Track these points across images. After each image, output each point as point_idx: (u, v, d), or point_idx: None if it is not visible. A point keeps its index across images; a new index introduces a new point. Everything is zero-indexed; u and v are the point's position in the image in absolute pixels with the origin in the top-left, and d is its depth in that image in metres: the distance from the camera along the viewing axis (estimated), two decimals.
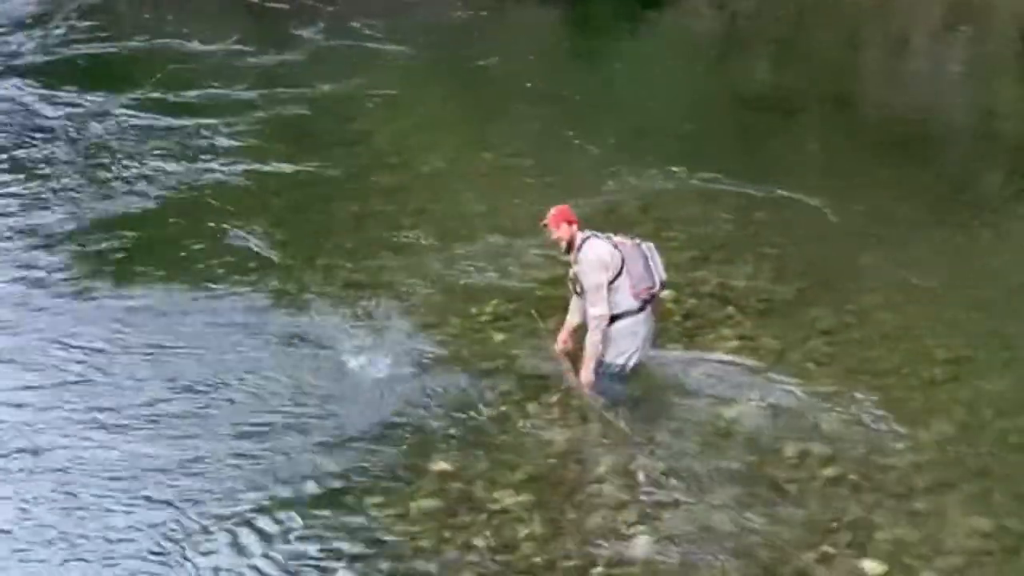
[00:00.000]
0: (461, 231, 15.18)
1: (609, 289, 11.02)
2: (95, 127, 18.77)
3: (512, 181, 17.11)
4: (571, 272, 11.35)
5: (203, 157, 17.54)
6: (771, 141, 19.21)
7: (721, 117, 20.53)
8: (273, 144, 18.21)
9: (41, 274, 13.92)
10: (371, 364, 11.95)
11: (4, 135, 18.48)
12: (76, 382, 11.63)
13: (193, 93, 20.55)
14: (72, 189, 16.40)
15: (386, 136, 19.10)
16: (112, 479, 10.21)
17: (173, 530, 9.61)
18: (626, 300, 11.10)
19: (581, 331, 11.42)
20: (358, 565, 9.28)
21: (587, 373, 11.22)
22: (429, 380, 11.70)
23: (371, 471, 10.35)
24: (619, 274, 11.05)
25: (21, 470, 10.30)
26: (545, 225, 11.34)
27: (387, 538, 9.57)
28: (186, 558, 9.35)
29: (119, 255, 14.51)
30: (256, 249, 14.59)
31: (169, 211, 15.82)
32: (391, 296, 13.41)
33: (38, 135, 18.44)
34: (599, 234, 11.32)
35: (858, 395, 11.40)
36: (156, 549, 9.43)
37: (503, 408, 11.29)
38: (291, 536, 9.59)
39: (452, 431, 10.93)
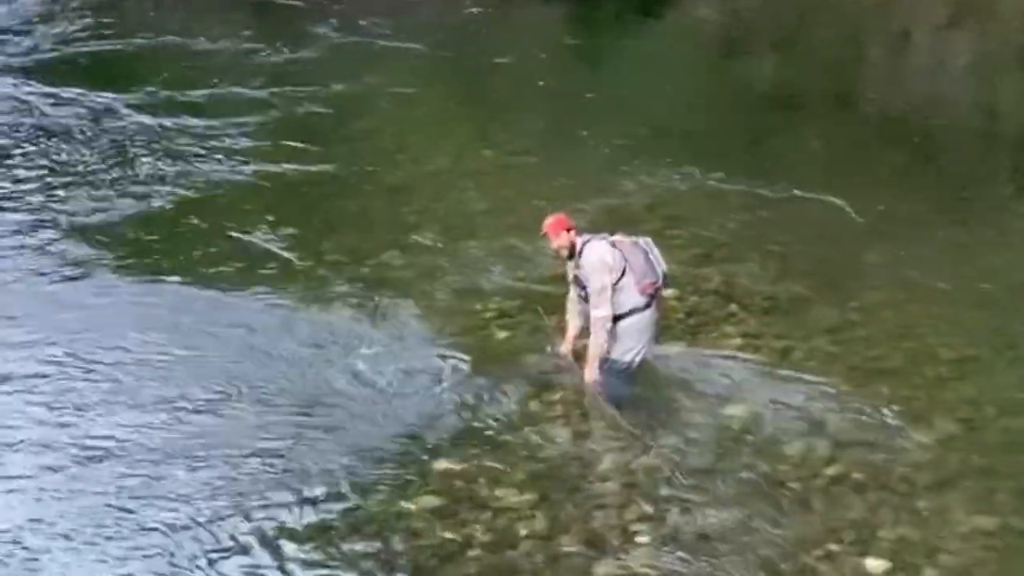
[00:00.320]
0: (465, 229, 15.20)
1: (614, 289, 11.02)
2: (104, 127, 18.72)
3: (516, 179, 17.12)
4: (571, 275, 11.35)
5: (207, 156, 17.51)
6: (775, 139, 19.20)
7: (725, 115, 20.51)
8: (278, 142, 18.21)
9: (56, 274, 13.87)
10: (375, 362, 11.96)
11: (15, 135, 18.43)
12: (88, 380, 11.59)
13: (198, 91, 20.52)
14: (83, 188, 16.33)
15: (391, 134, 19.11)
16: (125, 476, 10.21)
17: (183, 527, 9.62)
18: (632, 298, 11.10)
19: (584, 333, 11.44)
20: (360, 563, 9.28)
21: (592, 372, 11.21)
22: (432, 378, 11.70)
23: (374, 469, 10.35)
24: (623, 273, 11.06)
25: (34, 468, 10.28)
26: (545, 235, 11.34)
27: (390, 536, 9.56)
28: (192, 554, 9.35)
29: (127, 256, 14.47)
30: (260, 247, 14.60)
31: (174, 210, 15.77)
32: (395, 294, 13.41)
33: (48, 135, 18.39)
34: (596, 236, 11.33)
35: (862, 394, 11.40)
36: (164, 544, 9.44)
37: (506, 406, 11.29)
38: (291, 533, 9.59)
39: (455, 429, 10.94)
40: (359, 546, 9.47)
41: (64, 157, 17.48)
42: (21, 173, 16.91)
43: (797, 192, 16.17)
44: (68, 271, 13.95)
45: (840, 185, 16.38)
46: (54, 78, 21.31)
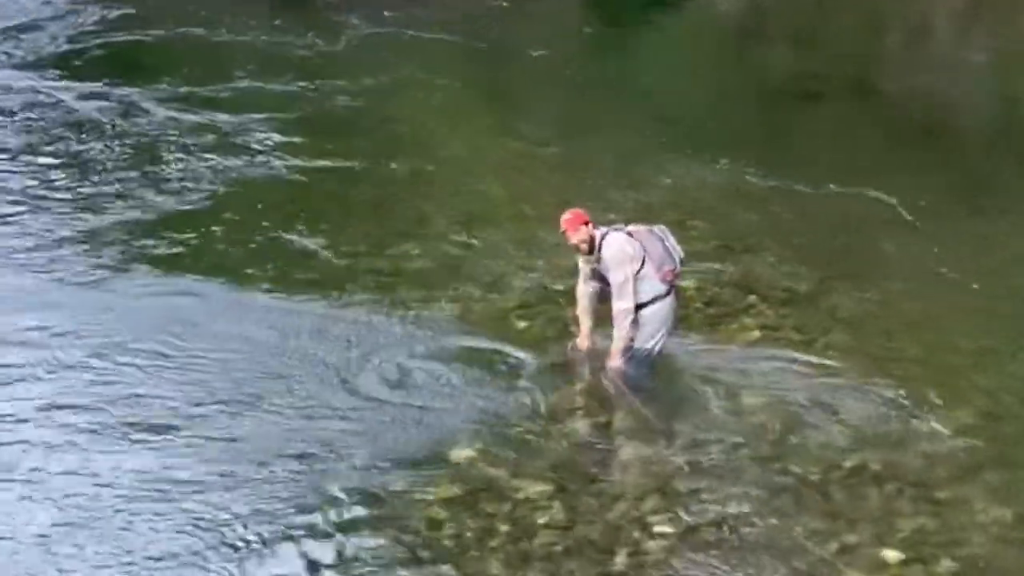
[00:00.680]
0: (484, 219, 15.21)
1: (636, 279, 11.08)
2: (129, 121, 18.66)
3: (535, 169, 17.14)
4: (588, 270, 11.36)
5: (230, 151, 17.39)
6: (794, 130, 19.21)
7: (744, 105, 20.49)
8: (296, 132, 18.20)
9: (86, 274, 13.72)
10: (394, 353, 11.98)
11: (42, 130, 18.39)
12: (119, 382, 11.49)
13: (220, 85, 20.45)
14: (111, 186, 16.26)
15: (410, 124, 19.10)
16: (153, 471, 10.21)
17: (198, 518, 9.64)
18: (655, 286, 11.18)
19: (598, 323, 11.49)
20: (379, 553, 9.31)
21: (617, 362, 11.26)
22: (451, 368, 11.72)
23: (393, 459, 10.35)
24: (643, 263, 11.11)
25: (63, 467, 10.21)
26: (564, 232, 11.34)
27: (409, 525, 9.59)
28: (208, 546, 9.38)
29: (145, 252, 14.35)
30: (275, 239, 14.61)
31: (197, 206, 15.57)
32: (413, 285, 13.44)
33: (75, 130, 18.31)
34: (612, 228, 11.35)
35: (880, 385, 11.41)
36: (186, 536, 9.45)
37: (525, 396, 11.31)
38: (310, 524, 9.61)
39: (474, 420, 10.95)
40: (378, 536, 9.49)
41: (91, 154, 17.35)
42: (50, 170, 16.80)
43: (816, 183, 16.17)
44: (98, 271, 13.78)
45: (859, 176, 16.36)
46: (77, 71, 21.30)
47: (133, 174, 16.63)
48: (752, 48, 24.76)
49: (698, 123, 19.42)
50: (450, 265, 13.93)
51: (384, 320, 12.59)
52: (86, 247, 14.38)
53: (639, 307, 11.16)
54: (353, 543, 9.42)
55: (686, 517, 9.68)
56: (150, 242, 14.55)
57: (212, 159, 17.06)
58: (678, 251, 11.34)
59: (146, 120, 18.70)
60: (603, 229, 11.30)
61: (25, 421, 10.78)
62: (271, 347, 12.13)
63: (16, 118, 18.90)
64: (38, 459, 10.28)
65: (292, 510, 9.74)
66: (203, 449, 10.52)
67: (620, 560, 9.26)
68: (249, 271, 13.80)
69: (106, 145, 17.71)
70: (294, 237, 14.58)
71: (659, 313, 11.28)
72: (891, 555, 9.25)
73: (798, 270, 13.79)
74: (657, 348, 11.38)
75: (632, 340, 11.25)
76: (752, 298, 13.12)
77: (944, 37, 24.88)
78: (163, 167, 16.87)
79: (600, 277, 11.30)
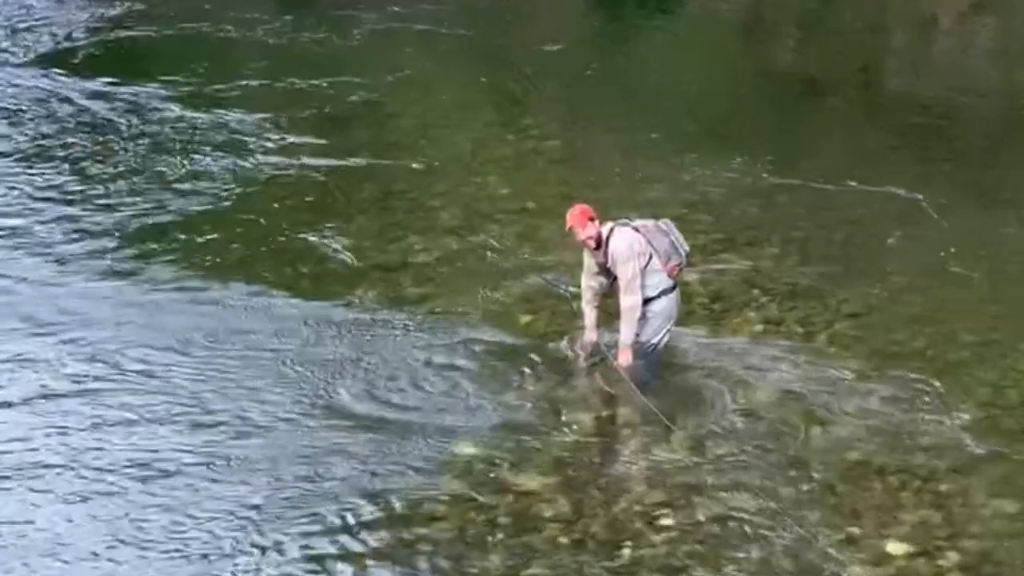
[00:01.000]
0: (488, 214, 15.24)
1: (643, 273, 11.10)
2: (139, 120, 18.62)
3: (539, 164, 17.18)
4: (595, 265, 11.37)
5: (237, 149, 17.44)
6: (798, 124, 19.21)
7: (747, 100, 20.48)
8: (302, 127, 18.23)
9: (102, 276, 13.69)
10: (396, 349, 12.01)
11: (51, 130, 18.33)
12: (138, 385, 11.47)
13: (226, 81, 20.45)
14: (123, 183, 16.23)
15: (414, 118, 19.13)
16: (151, 477, 10.20)
17: (200, 515, 9.68)
18: (662, 280, 11.21)
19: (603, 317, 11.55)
20: (384, 548, 9.33)
21: (625, 357, 11.29)
22: (454, 363, 11.75)
23: (397, 454, 10.38)
24: (650, 257, 11.13)
25: (81, 473, 10.18)
26: (570, 229, 11.34)
27: (414, 520, 9.61)
28: (209, 538, 9.42)
29: (156, 251, 14.35)
30: (280, 233, 14.64)
31: (208, 206, 15.58)
32: (416, 278, 13.48)
33: (85, 128, 18.31)
34: (618, 223, 11.36)
35: (884, 378, 11.43)
36: (182, 527, 9.52)
37: (529, 390, 11.34)
38: (314, 520, 9.63)
39: (478, 414, 10.98)
40: (383, 531, 9.51)
41: (102, 154, 17.37)
42: (62, 169, 16.80)
43: (820, 177, 16.17)
44: (114, 274, 13.74)
45: (862, 170, 16.38)
46: (85, 68, 21.31)
47: (142, 173, 16.63)
48: (757, 43, 24.76)
49: (702, 117, 19.39)
50: (452, 259, 13.96)
51: (387, 315, 12.61)
52: (100, 246, 14.39)
53: (646, 302, 11.18)
54: (356, 540, 9.43)
55: (691, 510, 9.70)
56: (161, 242, 14.58)
57: (220, 157, 17.10)
58: (684, 246, 11.37)
59: (155, 118, 18.74)
60: (609, 224, 11.30)
61: (35, 425, 10.76)
62: (268, 338, 12.18)
63: (27, 117, 18.91)
64: (43, 457, 10.33)
65: (294, 508, 9.77)
66: (209, 442, 10.59)
67: (625, 553, 9.28)
68: (257, 269, 13.83)
69: (117, 144, 17.69)
70: (300, 234, 14.59)
71: (665, 308, 11.31)
72: (895, 548, 9.27)
73: (801, 264, 13.83)
74: (664, 341, 11.41)
75: (639, 335, 11.28)
76: (755, 292, 13.14)
77: (949, 31, 24.87)
78: (172, 166, 16.87)
79: (606, 272, 11.32)
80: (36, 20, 24.43)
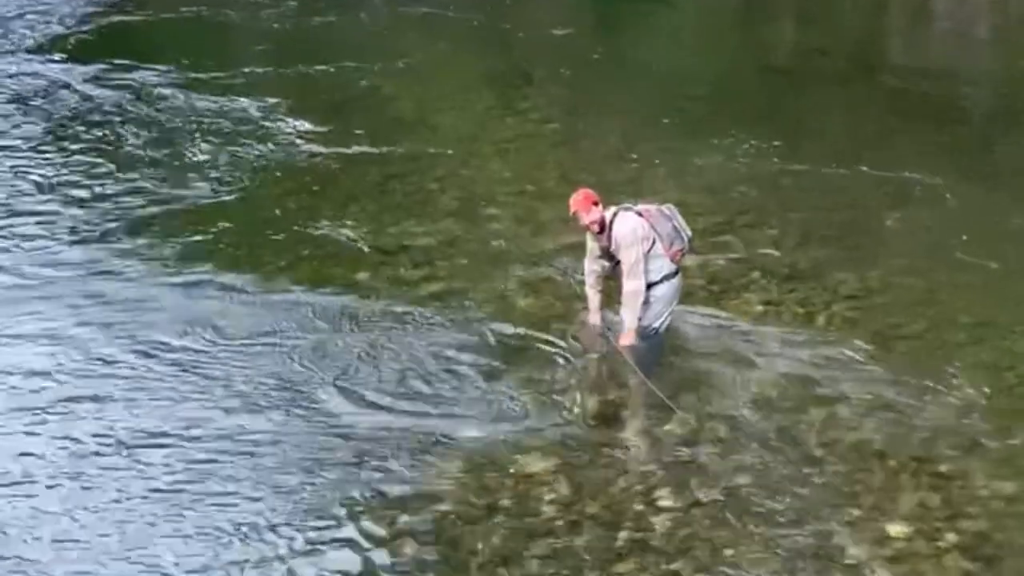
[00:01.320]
0: (487, 196, 15.26)
1: (647, 258, 11.13)
2: (141, 108, 18.57)
3: (539, 147, 17.19)
4: (599, 250, 11.38)
5: (238, 134, 17.49)
6: (797, 107, 19.22)
7: (747, 83, 20.52)
8: (303, 111, 18.23)
9: (109, 267, 13.53)
10: (397, 331, 12.02)
11: (56, 117, 18.31)
12: (148, 377, 11.33)
13: (231, 67, 20.47)
14: (128, 173, 16.16)
15: (415, 103, 19.13)
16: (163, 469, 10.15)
17: (201, 497, 9.69)
18: (665, 265, 11.28)
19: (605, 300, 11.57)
20: (383, 530, 9.33)
21: (629, 341, 11.33)
22: (454, 346, 11.75)
23: (396, 436, 10.39)
24: (653, 242, 11.16)
25: (86, 463, 10.08)
26: (574, 213, 11.35)
27: (412, 501, 9.62)
28: (207, 521, 9.42)
29: (159, 240, 14.28)
30: (278, 217, 14.65)
31: (208, 190, 15.59)
32: (415, 261, 13.49)
33: (87, 117, 18.27)
34: (622, 207, 11.38)
35: (882, 359, 11.45)
36: (203, 521, 9.46)
37: (529, 372, 11.34)
38: (311, 502, 9.63)
39: (477, 397, 10.98)
40: (382, 513, 9.52)
41: (106, 141, 17.31)
42: (67, 159, 16.73)
43: (819, 159, 16.20)
44: (120, 265, 13.60)
45: (861, 152, 16.42)
46: (88, 55, 21.27)
47: (144, 161, 16.63)
48: (757, 26, 24.76)
49: (702, 101, 19.45)
50: (452, 243, 13.95)
51: (386, 299, 12.61)
52: (105, 235, 14.36)
53: (649, 286, 11.22)
54: (355, 522, 9.43)
55: (690, 491, 9.70)
56: (157, 228, 14.53)
57: (220, 142, 17.11)
58: (686, 231, 11.41)
59: (159, 105, 18.74)
60: (613, 208, 11.32)
61: (40, 421, 10.63)
62: (265, 322, 12.18)
63: (31, 104, 18.92)
64: (48, 454, 10.21)
65: (286, 480, 9.80)
66: (205, 420, 10.61)
67: (625, 535, 9.29)
68: (256, 253, 13.83)
69: (121, 132, 17.69)
70: (299, 218, 14.59)
71: (667, 293, 11.38)
72: (894, 529, 9.28)
73: (801, 246, 13.84)
74: (665, 325, 11.47)
75: (640, 319, 11.30)
76: (755, 274, 13.16)
77: (948, 13, 24.85)
78: (169, 152, 16.89)
79: (609, 256, 11.34)
80: (34, 5, 24.40)
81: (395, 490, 9.77)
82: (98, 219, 14.71)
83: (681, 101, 19.27)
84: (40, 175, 16.08)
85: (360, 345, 11.75)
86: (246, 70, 20.48)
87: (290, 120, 17.91)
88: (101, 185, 15.75)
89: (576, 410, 10.84)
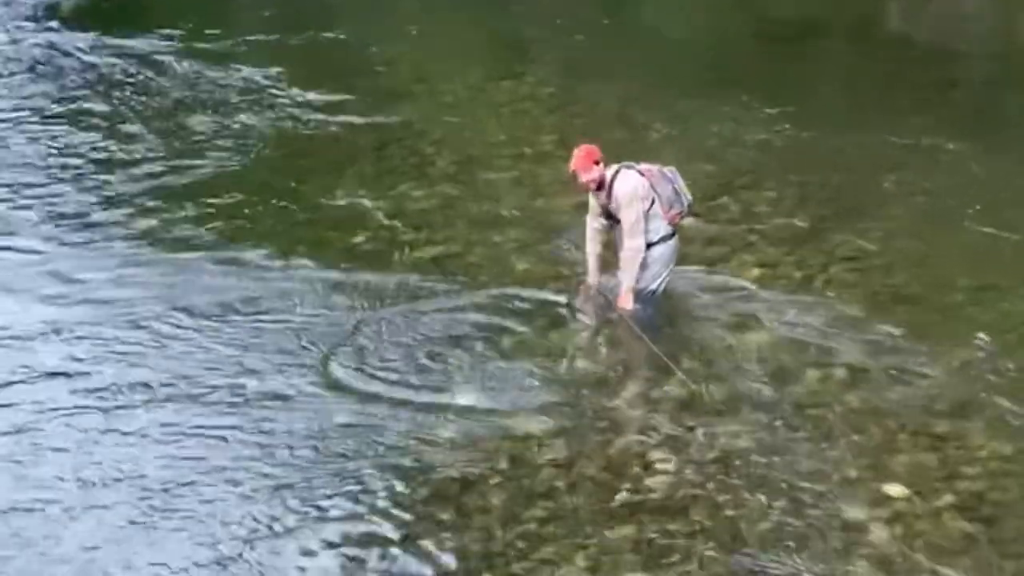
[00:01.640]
0: (483, 160, 15.26)
1: (646, 217, 11.12)
2: (142, 78, 18.52)
3: (535, 110, 17.20)
4: (599, 207, 11.37)
5: (230, 96, 17.53)
6: (795, 71, 19.14)
7: (745, 47, 20.46)
8: (300, 77, 18.22)
9: (118, 245, 13.43)
10: (393, 295, 12.01)
11: (59, 87, 18.25)
12: (157, 357, 11.21)
13: (229, 36, 20.44)
14: (132, 145, 16.07)
15: (411, 67, 19.11)
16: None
17: (211, 474, 9.71)
18: (662, 226, 11.28)
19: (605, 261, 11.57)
20: (380, 494, 9.33)
21: (628, 300, 11.33)
22: (451, 309, 11.75)
23: (393, 402, 10.38)
24: (652, 202, 11.15)
25: (92, 448, 9.96)
26: (573, 172, 11.31)
27: (411, 467, 9.61)
28: (218, 501, 9.43)
29: (152, 209, 14.21)
30: (278, 181, 14.64)
31: (211, 160, 15.54)
32: (412, 225, 13.47)
33: (91, 87, 18.23)
34: (623, 165, 11.36)
35: (880, 321, 11.43)
36: (194, 498, 9.43)
37: (525, 335, 11.34)
38: (308, 469, 9.62)
39: (474, 360, 10.97)
40: (379, 477, 9.51)
41: (109, 113, 17.23)
42: (71, 130, 16.66)
43: (817, 122, 16.18)
44: (128, 241, 13.51)
45: (860, 115, 16.41)
46: (89, 22, 21.28)
47: (143, 128, 16.58)
48: None
49: (700, 65, 19.42)
50: (448, 205, 13.97)
51: (384, 263, 12.60)
52: (113, 209, 14.28)
53: (648, 246, 11.21)
54: (352, 486, 9.42)
55: (688, 453, 9.71)
56: (160, 201, 14.44)
57: (224, 111, 17.13)
58: (687, 194, 11.41)
59: (158, 73, 18.72)
60: (615, 167, 11.29)
61: (55, 408, 10.50)
62: (259, 292, 12.16)
63: (34, 74, 18.89)
64: (61, 443, 10.11)
65: (284, 451, 9.80)
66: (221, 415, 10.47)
67: (621, 497, 9.29)
68: (257, 222, 13.83)
69: (119, 100, 17.65)
70: (289, 178, 14.59)
71: (664, 254, 11.38)
72: (892, 489, 9.28)
73: (798, 208, 13.81)
74: (662, 288, 11.46)
75: (637, 280, 11.30)
76: (753, 236, 13.13)
77: None
78: (176, 121, 16.86)
79: (608, 214, 11.32)
80: None
81: (392, 455, 9.76)
82: (96, 190, 14.69)
83: (678, 65, 19.28)
84: (38, 145, 16.04)
85: (357, 310, 11.73)
86: (243, 38, 20.46)
87: (289, 87, 17.88)
88: (99, 153, 15.75)
89: (575, 371, 10.86)
